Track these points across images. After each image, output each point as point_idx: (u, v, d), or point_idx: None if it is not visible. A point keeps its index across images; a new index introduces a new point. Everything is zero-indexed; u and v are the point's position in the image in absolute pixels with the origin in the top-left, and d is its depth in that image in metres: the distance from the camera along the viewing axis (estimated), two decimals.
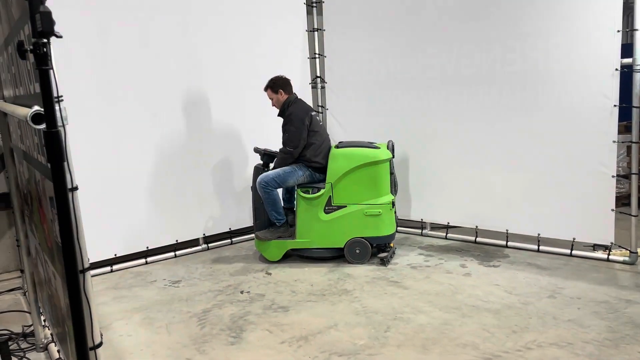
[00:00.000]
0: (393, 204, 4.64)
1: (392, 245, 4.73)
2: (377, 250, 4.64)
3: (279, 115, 4.75)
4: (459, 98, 4.89)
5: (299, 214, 4.63)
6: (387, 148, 4.72)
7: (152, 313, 3.74)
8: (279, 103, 4.70)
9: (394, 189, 4.76)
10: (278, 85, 4.69)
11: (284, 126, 4.64)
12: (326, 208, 4.57)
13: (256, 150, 4.82)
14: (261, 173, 4.63)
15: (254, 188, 4.69)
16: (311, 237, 4.61)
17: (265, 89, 4.73)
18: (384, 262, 4.51)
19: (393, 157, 4.74)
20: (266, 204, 4.59)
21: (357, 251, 4.55)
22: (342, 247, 4.57)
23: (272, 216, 4.63)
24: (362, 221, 4.53)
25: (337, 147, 4.66)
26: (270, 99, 4.73)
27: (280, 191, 4.72)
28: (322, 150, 4.63)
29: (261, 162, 4.81)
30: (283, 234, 4.66)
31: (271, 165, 4.76)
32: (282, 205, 4.75)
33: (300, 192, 4.61)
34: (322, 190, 4.55)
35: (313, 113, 4.71)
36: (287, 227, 4.70)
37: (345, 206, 4.55)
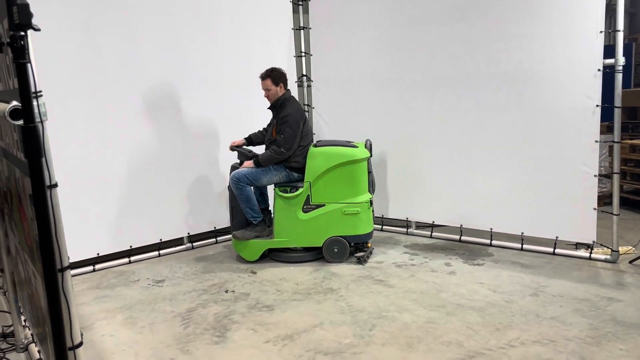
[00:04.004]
0: (371, 202, 4.64)
1: (369, 245, 4.72)
2: (354, 249, 4.63)
3: (270, 107, 4.64)
4: (444, 98, 4.91)
5: (276, 213, 4.59)
6: (365, 147, 4.70)
7: (135, 313, 3.70)
8: (275, 97, 4.55)
9: (371, 187, 4.74)
10: (279, 78, 4.53)
11: (279, 126, 4.49)
12: (304, 207, 4.54)
13: (232, 148, 4.78)
14: None
15: (230, 187, 4.63)
16: (289, 236, 4.56)
17: (264, 78, 4.53)
18: (360, 261, 4.50)
19: (371, 155, 4.73)
20: (240, 200, 4.51)
21: (336, 250, 4.53)
22: (321, 246, 4.56)
23: (248, 214, 4.55)
24: (341, 220, 4.51)
25: (315, 145, 4.62)
26: (266, 89, 4.55)
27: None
28: (304, 151, 4.57)
29: (238, 160, 4.77)
30: (261, 233, 4.60)
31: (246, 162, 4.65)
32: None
33: (279, 191, 4.56)
34: (301, 190, 4.52)
35: (306, 115, 4.63)
36: (265, 226, 4.63)
37: (324, 205, 4.53)
